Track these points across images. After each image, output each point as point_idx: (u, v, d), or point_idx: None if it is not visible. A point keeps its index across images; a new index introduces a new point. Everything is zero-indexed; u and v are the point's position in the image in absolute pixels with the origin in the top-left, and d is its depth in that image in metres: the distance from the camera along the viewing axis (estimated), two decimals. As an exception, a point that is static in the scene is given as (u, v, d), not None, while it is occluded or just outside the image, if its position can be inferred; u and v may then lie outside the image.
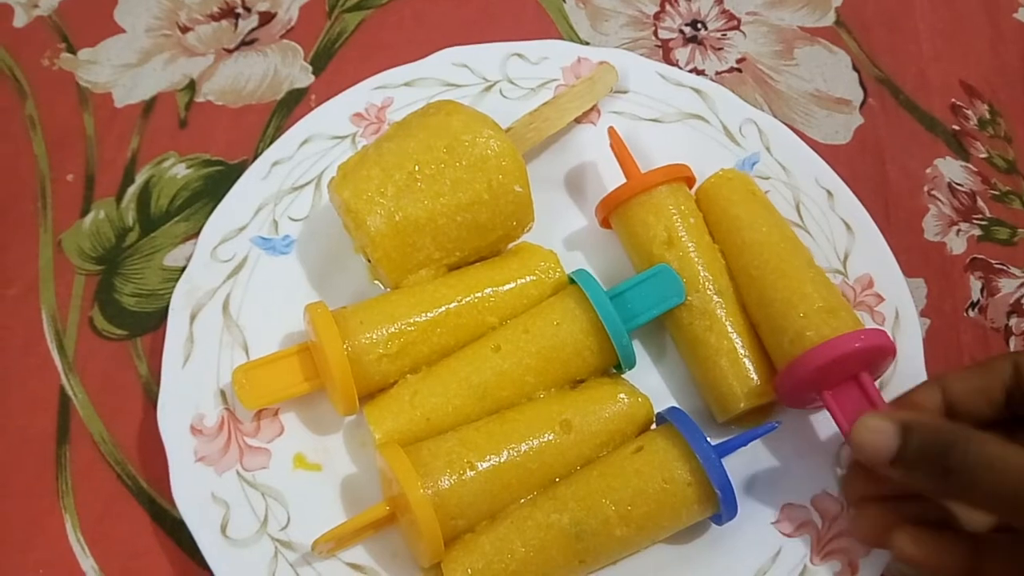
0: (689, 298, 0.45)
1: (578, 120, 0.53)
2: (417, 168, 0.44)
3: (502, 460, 0.41)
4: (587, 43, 0.59)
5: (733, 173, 0.49)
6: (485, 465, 0.40)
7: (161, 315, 0.49)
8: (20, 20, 0.60)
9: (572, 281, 0.45)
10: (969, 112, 0.57)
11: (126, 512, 0.45)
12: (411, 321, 0.44)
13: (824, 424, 0.45)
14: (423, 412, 0.43)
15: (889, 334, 0.45)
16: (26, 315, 0.50)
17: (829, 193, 0.50)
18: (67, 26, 0.60)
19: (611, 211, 0.48)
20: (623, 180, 0.49)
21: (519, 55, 0.55)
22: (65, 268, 0.51)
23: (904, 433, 0.35)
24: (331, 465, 0.45)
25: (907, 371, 0.45)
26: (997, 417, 0.38)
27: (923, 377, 0.45)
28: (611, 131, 0.49)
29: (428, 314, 0.44)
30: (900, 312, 0.46)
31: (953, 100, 0.58)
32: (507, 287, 0.46)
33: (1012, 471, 0.33)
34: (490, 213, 0.45)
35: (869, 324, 0.46)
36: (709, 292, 0.45)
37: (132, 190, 0.53)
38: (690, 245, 0.46)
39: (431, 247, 0.45)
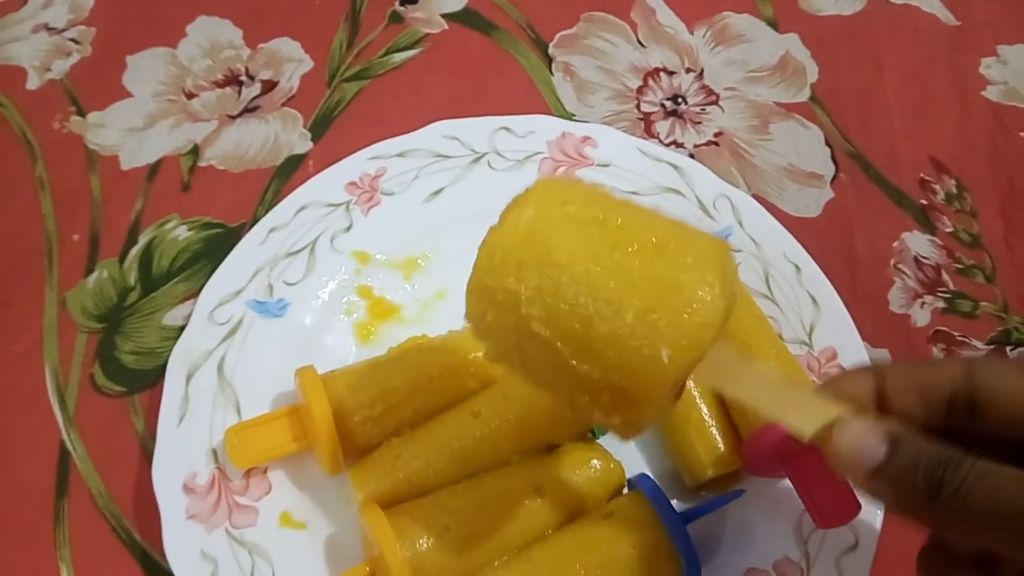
0: (660, 368, 0.47)
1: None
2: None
3: (478, 525, 0.43)
4: (573, 115, 0.62)
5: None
6: (462, 529, 0.42)
7: (159, 373, 0.51)
8: (33, 83, 0.63)
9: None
10: (937, 187, 0.60)
11: (120, 564, 0.47)
12: (394, 385, 0.46)
13: (787, 492, 0.47)
14: (405, 475, 0.45)
15: (849, 407, 0.47)
16: (30, 371, 0.52)
17: (797, 267, 0.52)
18: (77, 90, 0.63)
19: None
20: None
21: (507, 128, 0.57)
22: (69, 326, 0.54)
23: (892, 444, 0.31)
24: (315, 523, 0.47)
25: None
26: (929, 424, 0.33)
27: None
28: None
29: (411, 379, 0.46)
30: (862, 384, 0.49)
31: (922, 175, 0.61)
32: (488, 353, 0.48)
33: (1010, 494, 0.28)
34: None
35: (832, 395, 0.48)
36: (679, 363, 0.48)
37: (135, 251, 0.56)
38: (662, 318, 0.48)
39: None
